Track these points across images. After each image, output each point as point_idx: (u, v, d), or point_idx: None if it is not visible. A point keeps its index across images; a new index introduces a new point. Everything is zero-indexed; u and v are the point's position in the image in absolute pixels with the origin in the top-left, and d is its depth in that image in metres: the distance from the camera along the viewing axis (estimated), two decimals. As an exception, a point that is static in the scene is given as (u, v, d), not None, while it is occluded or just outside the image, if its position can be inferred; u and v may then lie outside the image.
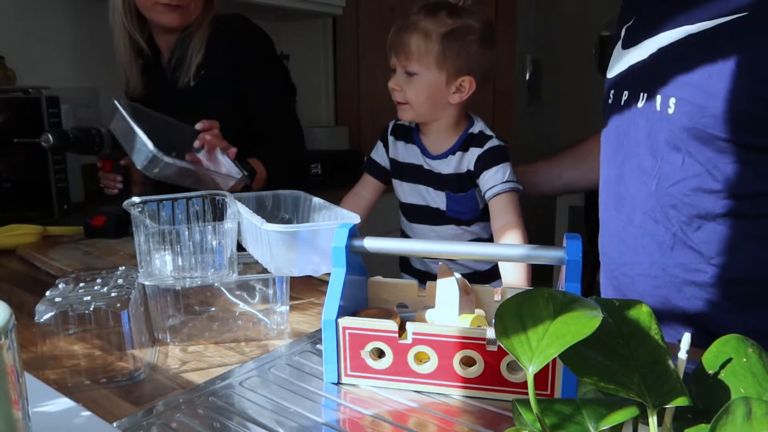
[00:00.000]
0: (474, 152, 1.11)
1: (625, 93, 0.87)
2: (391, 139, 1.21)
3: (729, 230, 0.78)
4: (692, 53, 0.76)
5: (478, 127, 1.14)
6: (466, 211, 1.15)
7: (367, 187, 1.25)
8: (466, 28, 1.06)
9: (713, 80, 0.73)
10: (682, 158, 0.78)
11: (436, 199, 1.16)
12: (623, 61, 0.89)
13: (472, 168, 1.11)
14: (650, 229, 0.83)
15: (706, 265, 0.80)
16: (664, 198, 0.81)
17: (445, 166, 1.14)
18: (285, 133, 1.42)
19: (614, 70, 0.91)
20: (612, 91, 0.91)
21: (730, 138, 0.74)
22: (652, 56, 0.82)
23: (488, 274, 1.19)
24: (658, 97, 0.80)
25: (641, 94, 0.83)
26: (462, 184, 1.13)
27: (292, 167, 1.41)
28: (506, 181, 1.08)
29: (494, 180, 1.08)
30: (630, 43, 0.88)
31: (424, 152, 1.16)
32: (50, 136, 1.18)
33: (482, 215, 1.16)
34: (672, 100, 0.77)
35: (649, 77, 0.82)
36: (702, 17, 0.76)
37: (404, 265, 1.29)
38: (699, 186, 0.77)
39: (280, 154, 1.38)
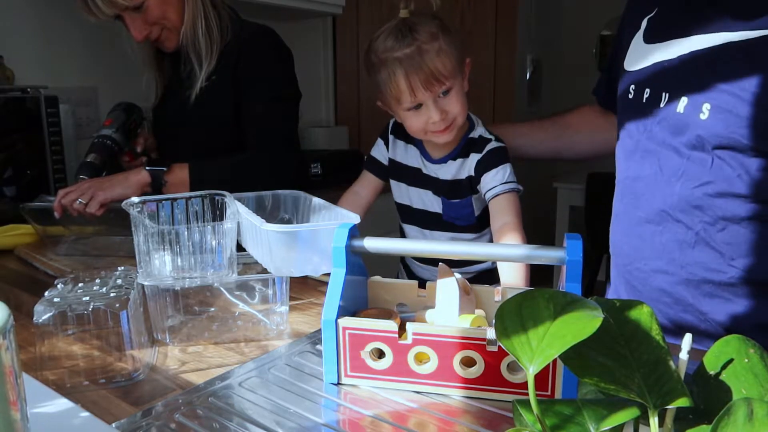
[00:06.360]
0: (474, 158, 1.11)
1: (647, 91, 0.86)
2: (391, 137, 1.20)
3: (753, 234, 0.77)
4: (733, 62, 0.75)
5: (479, 131, 1.13)
6: (461, 217, 1.15)
7: (367, 185, 1.24)
8: (438, 25, 1.04)
9: (756, 91, 0.72)
10: (711, 161, 0.77)
11: (433, 204, 1.16)
12: (648, 56, 0.87)
13: (472, 173, 1.11)
14: (670, 226, 0.83)
15: (726, 266, 0.79)
16: (689, 198, 0.80)
17: (444, 172, 1.14)
18: (261, 141, 1.34)
19: (637, 64, 0.90)
20: (633, 86, 0.90)
21: (766, 149, 0.73)
22: (683, 58, 0.81)
23: (490, 274, 1.19)
24: (685, 99, 0.79)
25: (663, 95, 0.82)
26: (460, 191, 1.13)
27: (259, 175, 1.33)
28: (506, 182, 1.08)
29: (494, 181, 1.08)
30: (655, 38, 0.87)
31: (424, 155, 1.16)
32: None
33: (477, 223, 1.16)
34: (706, 106, 0.76)
35: (678, 79, 0.81)
36: (745, 26, 0.75)
37: (407, 270, 1.29)
38: (727, 189, 0.77)
39: (242, 162, 1.32)
